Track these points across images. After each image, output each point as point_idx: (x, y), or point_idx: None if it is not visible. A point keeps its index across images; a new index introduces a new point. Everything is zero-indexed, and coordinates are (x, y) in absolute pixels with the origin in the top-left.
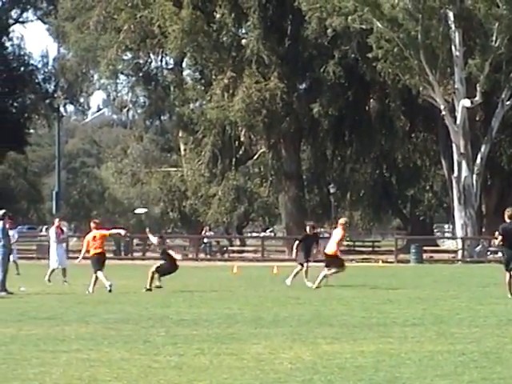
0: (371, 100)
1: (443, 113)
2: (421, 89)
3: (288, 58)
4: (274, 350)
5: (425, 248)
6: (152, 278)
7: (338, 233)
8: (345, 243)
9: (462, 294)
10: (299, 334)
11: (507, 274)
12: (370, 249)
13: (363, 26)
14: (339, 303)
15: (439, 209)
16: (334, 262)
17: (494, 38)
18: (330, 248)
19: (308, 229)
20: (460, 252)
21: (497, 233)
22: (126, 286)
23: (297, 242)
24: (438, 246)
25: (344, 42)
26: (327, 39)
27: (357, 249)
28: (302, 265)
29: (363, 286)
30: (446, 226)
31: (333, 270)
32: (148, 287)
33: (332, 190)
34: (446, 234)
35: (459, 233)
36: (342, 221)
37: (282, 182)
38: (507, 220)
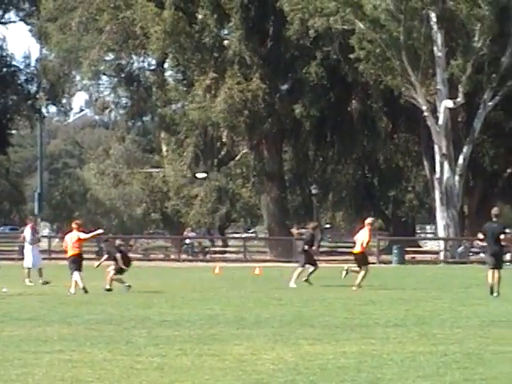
0: (353, 101)
1: (425, 114)
2: (403, 89)
3: (270, 59)
4: (256, 350)
5: (407, 249)
6: (118, 279)
7: (365, 233)
8: (328, 244)
9: (444, 294)
10: (281, 335)
11: (490, 272)
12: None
13: (345, 27)
14: (321, 304)
15: (421, 210)
16: (361, 259)
17: (476, 39)
18: (358, 247)
19: (312, 229)
20: (442, 253)
21: (479, 235)
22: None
23: (306, 245)
24: (420, 246)
25: (326, 42)
26: (309, 40)
27: (339, 250)
28: (315, 264)
29: (345, 286)
30: (428, 226)
31: (359, 271)
32: (127, 284)
33: (314, 191)
34: (428, 235)
35: (441, 234)
36: (368, 220)
37: (264, 182)
38: (493, 219)
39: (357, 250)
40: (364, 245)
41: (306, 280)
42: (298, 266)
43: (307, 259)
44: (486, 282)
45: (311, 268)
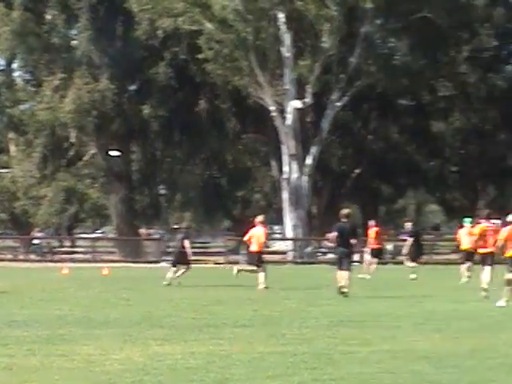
0: (201, 101)
1: (273, 114)
2: (251, 90)
3: (118, 60)
4: (105, 351)
5: None
6: None
7: (260, 231)
8: (175, 245)
9: (292, 295)
10: (130, 335)
11: (339, 273)
12: (201, 250)
13: (193, 28)
14: (169, 304)
15: (269, 210)
16: (257, 258)
17: (324, 40)
18: (255, 246)
19: (185, 228)
20: (290, 253)
21: (330, 235)
22: None
23: (188, 240)
24: (268, 247)
25: (174, 43)
26: (157, 40)
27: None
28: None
29: (193, 287)
30: (277, 227)
31: (254, 270)
32: None
33: (162, 191)
34: (277, 235)
35: (290, 234)
36: (260, 219)
37: (112, 183)
38: (343, 219)
39: (253, 248)
40: (261, 241)
41: (177, 281)
42: (171, 266)
43: (182, 259)
44: (334, 283)
45: (182, 269)
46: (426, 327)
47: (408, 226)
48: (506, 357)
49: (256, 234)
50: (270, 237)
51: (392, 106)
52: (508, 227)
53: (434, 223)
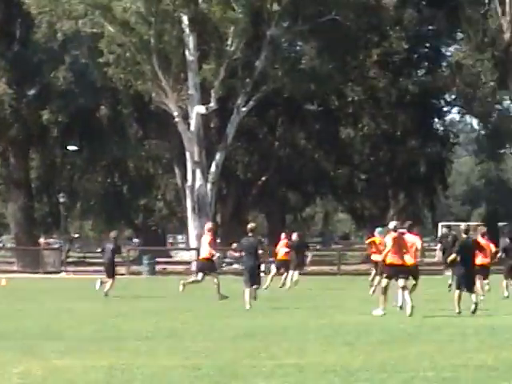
0: (102, 106)
1: (176, 119)
2: (153, 95)
3: (17, 63)
4: (3, 364)
5: (158, 259)
6: None
7: (207, 238)
8: (77, 255)
9: (196, 306)
10: (29, 348)
11: (247, 290)
12: (101, 260)
13: (94, 30)
14: (69, 316)
15: (173, 219)
16: (208, 265)
17: (229, 43)
18: (205, 252)
19: (113, 238)
20: (194, 263)
21: (234, 245)
22: None
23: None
24: (171, 257)
25: (75, 46)
26: (57, 43)
27: (87, 260)
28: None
29: (94, 298)
30: (180, 236)
31: (214, 280)
32: None
33: (62, 199)
34: (180, 245)
35: (193, 243)
36: (208, 227)
37: (10, 190)
38: (249, 234)
39: (204, 255)
40: (209, 248)
41: (105, 294)
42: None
43: (113, 270)
44: (244, 299)
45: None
46: (335, 340)
47: (295, 236)
48: (417, 370)
49: (204, 243)
50: (172, 246)
51: (299, 112)
52: (391, 235)
53: (343, 232)
